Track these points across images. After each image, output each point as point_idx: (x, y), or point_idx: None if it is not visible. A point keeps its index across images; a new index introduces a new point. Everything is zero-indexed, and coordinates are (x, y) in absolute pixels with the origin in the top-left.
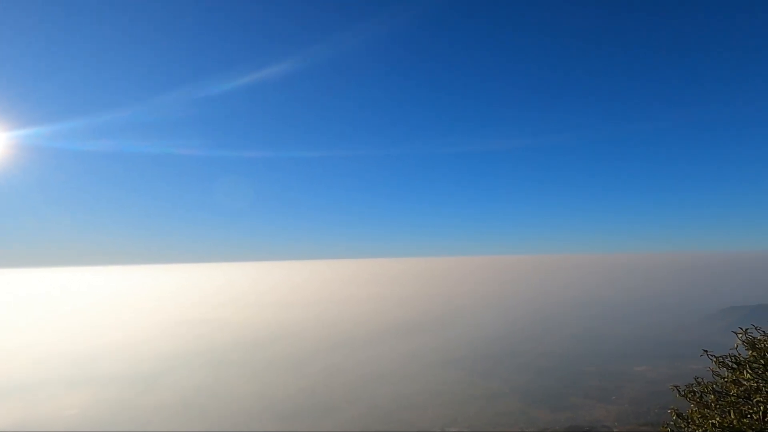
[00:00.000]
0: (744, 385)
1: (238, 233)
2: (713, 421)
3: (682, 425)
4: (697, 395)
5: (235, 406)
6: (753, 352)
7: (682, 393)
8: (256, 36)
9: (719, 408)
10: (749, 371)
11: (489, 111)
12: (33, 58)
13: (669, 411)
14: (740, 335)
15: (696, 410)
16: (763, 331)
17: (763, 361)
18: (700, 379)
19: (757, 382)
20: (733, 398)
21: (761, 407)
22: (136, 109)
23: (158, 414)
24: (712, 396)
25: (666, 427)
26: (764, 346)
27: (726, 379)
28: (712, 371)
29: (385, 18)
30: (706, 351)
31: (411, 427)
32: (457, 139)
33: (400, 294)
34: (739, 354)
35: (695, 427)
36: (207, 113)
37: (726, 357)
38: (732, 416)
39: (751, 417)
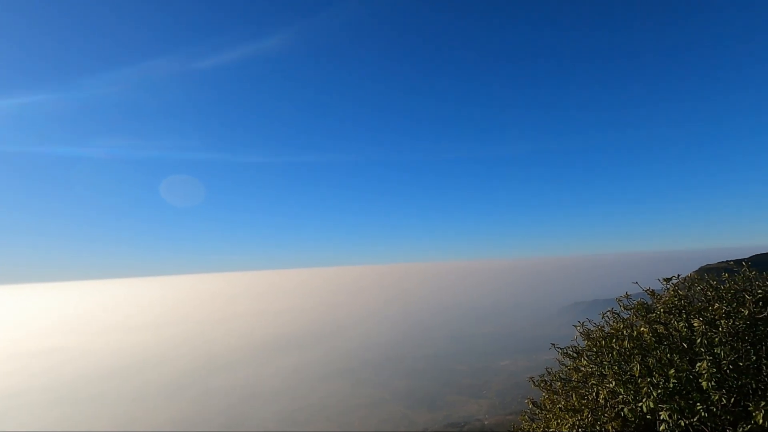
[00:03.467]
0: (582, 371)
1: (100, 247)
2: (560, 405)
3: (537, 412)
4: (548, 383)
5: None
6: (588, 341)
7: (537, 383)
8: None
9: (564, 393)
10: (585, 358)
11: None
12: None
13: (526, 401)
14: (578, 328)
15: (547, 397)
16: (595, 323)
17: (595, 349)
18: (550, 369)
19: (591, 368)
20: (574, 383)
21: (595, 389)
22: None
23: None
24: (559, 383)
25: (524, 415)
26: (596, 336)
27: (569, 367)
28: (559, 361)
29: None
30: (554, 344)
31: None
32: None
33: (288, 307)
34: (578, 344)
35: (546, 412)
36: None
37: (568, 348)
38: (574, 399)
39: (588, 398)
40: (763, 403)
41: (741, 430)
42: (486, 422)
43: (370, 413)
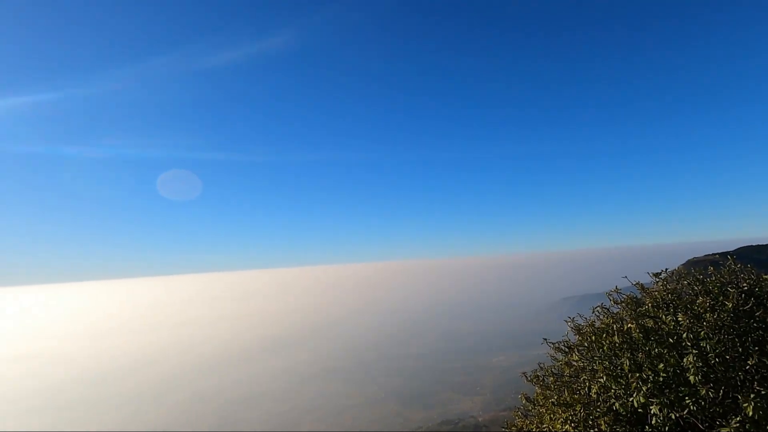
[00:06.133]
0: (574, 365)
1: (88, 248)
2: (552, 400)
3: (530, 407)
4: (540, 379)
5: None
6: (579, 336)
7: (529, 378)
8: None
9: (557, 388)
10: (577, 353)
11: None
12: None
13: (520, 396)
14: (569, 323)
15: (540, 392)
16: (586, 318)
17: (586, 344)
18: (542, 364)
19: (583, 362)
20: (566, 378)
21: (587, 383)
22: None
23: None
24: (552, 378)
25: (517, 411)
26: (586, 331)
27: (561, 363)
28: (551, 356)
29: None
30: (545, 339)
31: None
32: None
33: (276, 308)
34: (569, 339)
35: (540, 407)
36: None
37: (560, 343)
38: (566, 394)
39: (580, 392)
40: (753, 395)
41: (732, 422)
42: (480, 419)
43: (363, 412)
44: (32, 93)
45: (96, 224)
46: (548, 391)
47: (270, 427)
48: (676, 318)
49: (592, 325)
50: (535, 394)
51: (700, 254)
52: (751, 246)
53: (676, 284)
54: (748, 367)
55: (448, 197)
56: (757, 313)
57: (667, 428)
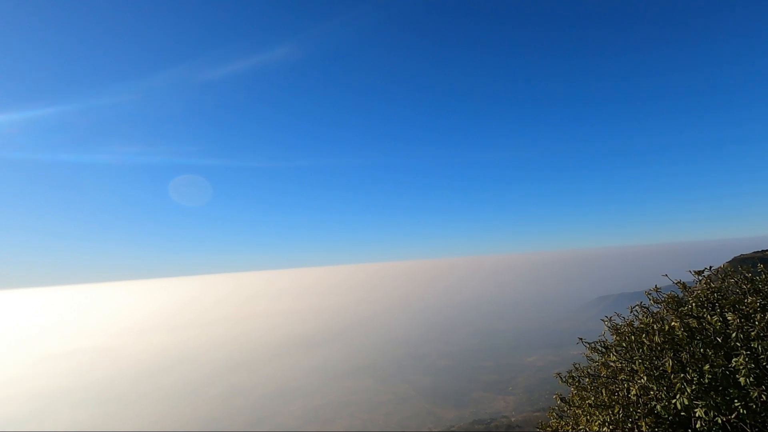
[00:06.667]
0: (611, 366)
1: (112, 250)
2: (589, 401)
3: (566, 408)
4: (576, 379)
5: None
6: (616, 336)
7: (564, 379)
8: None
9: (594, 389)
10: (614, 354)
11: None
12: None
13: (554, 396)
14: (606, 323)
15: (575, 393)
16: (624, 318)
17: (624, 344)
18: (577, 365)
19: (621, 363)
20: (603, 379)
21: (625, 384)
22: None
23: None
24: (588, 379)
25: (552, 412)
26: (624, 330)
27: (597, 363)
28: (587, 356)
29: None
30: (581, 339)
31: None
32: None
33: (308, 306)
34: (606, 339)
35: (575, 408)
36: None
37: (596, 343)
38: (604, 395)
39: (618, 394)
40: None
41: None
42: (513, 419)
43: (395, 410)
44: (57, 104)
45: (113, 228)
46: (584, 392)
47: (306, 421)
48: (724, 317)
49: (631, 324)
50: (571, 395)
51: (746, 251)
52: None
53: (721, 282)
54: None
55: (479, 195)
56: None
57: None
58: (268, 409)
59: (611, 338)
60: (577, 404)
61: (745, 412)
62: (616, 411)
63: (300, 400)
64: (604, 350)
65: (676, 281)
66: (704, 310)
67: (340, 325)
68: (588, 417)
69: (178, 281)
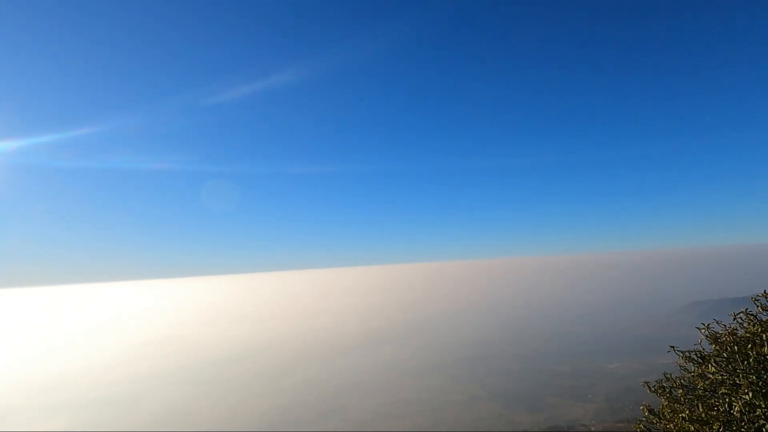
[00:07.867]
0: (709, 378)
1: (209, 247)
2: (683, 415)
3: (654, 421)
4: (667, 390)
5: (209, 426)
6: (716, 346)
7: (653, 389)
8: (249, 52)
9: (688, 402)
10: (713, 365)
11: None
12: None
13: (641, 407)
14: (703, 330)
15: (666, 405)
16: (725, 325)
17: (725, 355)
18: (669, 375)
19: (721, 375)
20: (700, 392)
21: (726, 399)
22: (120, 122)
23: None
24: (681, 390)
25: (638, 424)
26: (726, 339)
27: (693, 374)
28: (680, 366)
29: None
30: (673, 347)
31: None
32: (425, 156)
33: (377, 303)
34: (703, 348)
35: (666, 422)
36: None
37: (691, 352)
38: (700, 409)
39: (718, 409)
40: None
41: None
42: (593, 428)
43: (465, 410)
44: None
45: (194, 229)
46: (677, 405)
47: (376, 415)
48: None
49: (734, 333)
50: (661, 407)
51: None
52: None
53: None
54: None
55: (557, 192)
56: None
57: None
58: (339, 401)
59: (709, 348)
60: (668, 417)
61: None
62: (715, 427)
63: (371, 395)
64: (700, 360)
65: None
66: None
67: (408, 323)
68: None
69: (255, 277)
